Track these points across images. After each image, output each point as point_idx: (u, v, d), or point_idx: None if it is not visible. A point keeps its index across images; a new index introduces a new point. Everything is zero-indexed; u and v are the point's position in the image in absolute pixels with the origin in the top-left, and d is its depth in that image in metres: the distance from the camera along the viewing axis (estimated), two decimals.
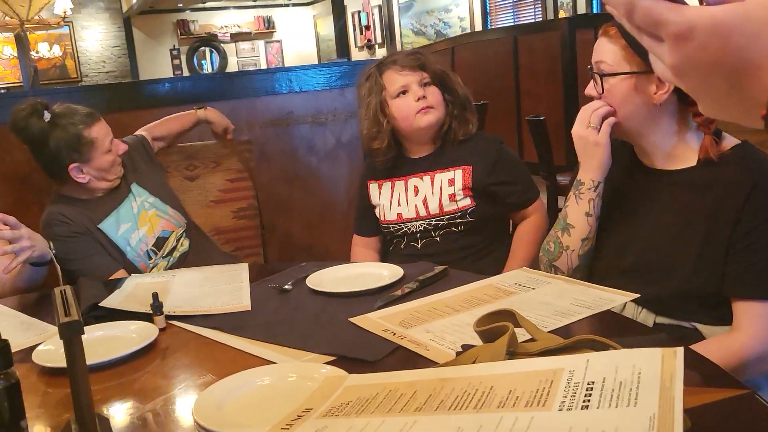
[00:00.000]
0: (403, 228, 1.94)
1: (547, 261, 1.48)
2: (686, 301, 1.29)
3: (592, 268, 1.45)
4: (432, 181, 1.91)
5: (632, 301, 1.30)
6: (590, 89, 1.39)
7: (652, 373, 0.70)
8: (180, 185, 2.34)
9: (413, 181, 1.94)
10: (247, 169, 2.38)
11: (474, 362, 0.86)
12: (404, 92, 1.88)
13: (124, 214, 1.98)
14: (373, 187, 2.01)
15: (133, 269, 1.93)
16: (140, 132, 2.26)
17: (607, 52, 1.33)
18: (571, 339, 0.87)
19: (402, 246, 1.96)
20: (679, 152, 1.34)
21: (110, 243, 1.93)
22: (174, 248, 2.02)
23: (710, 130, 1.30)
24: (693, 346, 1.17)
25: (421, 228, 1.91)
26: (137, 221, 1.99)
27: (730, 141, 1.32)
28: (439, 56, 1.98)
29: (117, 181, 1.99)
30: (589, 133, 1.37)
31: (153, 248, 1.99)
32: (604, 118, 1.36)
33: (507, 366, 0.81)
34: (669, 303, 1.30)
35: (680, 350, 0.71)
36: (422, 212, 1.91)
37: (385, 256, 2.07)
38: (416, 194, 1.92)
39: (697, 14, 0.49)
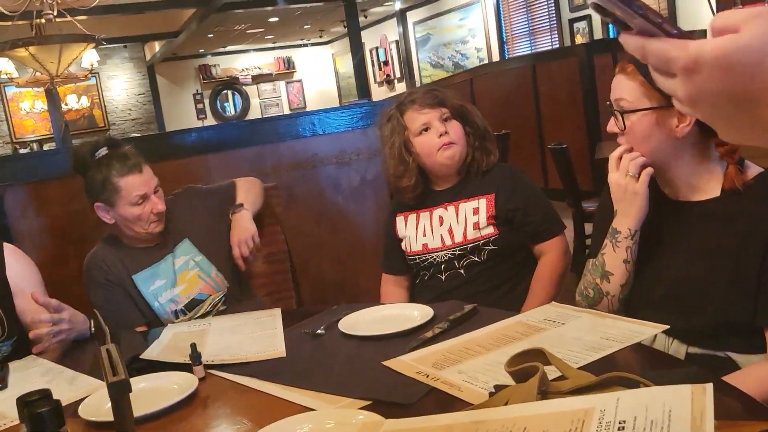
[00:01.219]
0: (428, 258, 1.97)
1: (587, 306, 1.49)
2: (719, 331, 1.29)
3: (623, 300, 1.46)
4: (456, 211, 1.95)
5: (663, 332, 1.31)
6: (612, 126, 1.41)
7: (683, 411, 0.71)
8: None
9: (438, 211, 1.98)
10: (274, 215, 2.42)
11: (506, 403, 0.88)
12: (426, 129, 1.93)
13: (163, 269, 1.99)
14: (399, 220, 2.05)
15: (158, 324, 1.94)
16: (233, 180, 2.24)
17: (626, 89, 1.36)
18: (601, 377, 0.88)
19: (426, 278, 1.99)
20: (702, 183, 1.36)
21: (139, 295, 1.96)
22: (208, 313, 2.00)
23: (734, 160, 1.32)
24: (728, 377, 1.17)
25: (446, 258, 1.94)
26: (175, 280, 1.99)
27: (754, 170, 1.33)
28: (458, 88, 2.02)
29: (151, 235, 1.97)
30: (627, 182, 1.38)
31: (183, 308, 1.98)
32: (643, 167, 1.37)
33: (539, 407, 0.83)
34: (701, 333, 1.31)
35: (709, 386, 0.73)
36: (447, 241, 1.94)
37: (413, 292, 2.09)
38: (441, 224, 1.96)
39: (701, 48, 0.53)
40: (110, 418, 1.19)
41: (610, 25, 8.46)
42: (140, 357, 1.47)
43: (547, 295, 1.86)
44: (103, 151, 1.94)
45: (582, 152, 5.87)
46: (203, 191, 2.18)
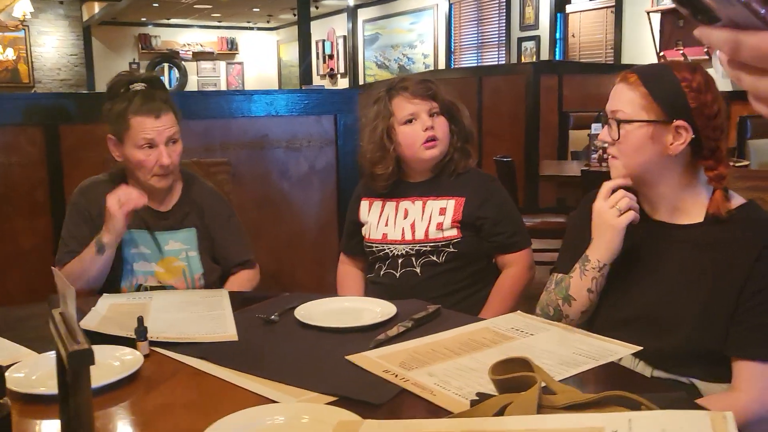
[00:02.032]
0: (385, 249, 1.92)
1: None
2: (686, 357, 1.28)
3: (591, 317, 1.44)
4: (423, 207, 1.90)
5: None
6: (604, 135, 1.37)
7: None
8: None
9: (405, 204, 1.93)
10: (222, 191, 2.31)
11: (500, 413, 0.83)
12: (412, 120, 1.87)
13: (150, 241, 1.84)
14: (364, 204, 1.99)
15: (109, 288, 1.79)
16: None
17: (625, 98, 1.33)
18: (600, 394, 0.84)
19: (381, 273, 1.93)
20: (686, 206, 1.34)
21: (117, 250, 1.78)
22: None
23: (721, 185, 1.31)
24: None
25: (403, 252, 1.89)
26: (158, 258, 1.84)
27: (737, 200, 1.32)
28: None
29: (156, 192, 1.83)
30: (610, 215, 1.35)
31: (149, 287, 1.82)
32: (630, 208, 1.35)
33: (539, 421, 0.78)
34: (668, 358, 1.30)
35: (730, 414, 0.69)
36: (408, 236, 1.89)
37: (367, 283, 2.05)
38: (405, 217, 1.91)
39: None
40: (48, 390, 1.08)
41: (557, 47, 8.64)
42: None
43: (506, 305, 1.82)
44: (139, 85, 1.80)
45: (519, 169, 5.95)
46: (233, 220, 1.96)
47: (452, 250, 1.86)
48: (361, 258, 2.05)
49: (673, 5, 6.98)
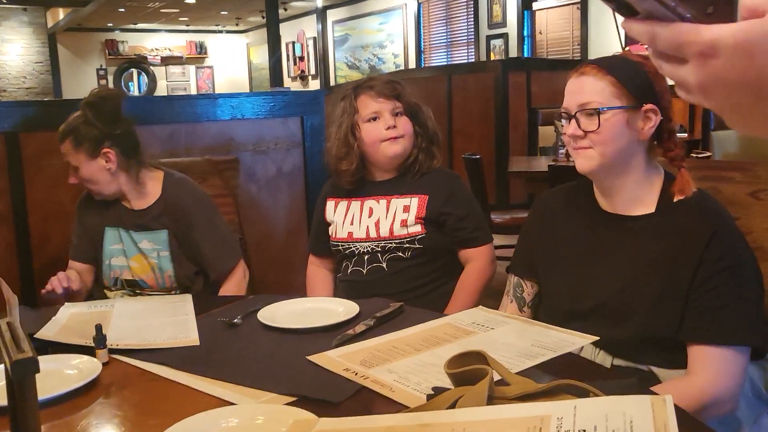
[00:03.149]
0: (351, 247, 1.94)
1: None
2: (643, 344, 1.30)
3: (550, 310, 1.46)
4: (387, 205, 1.93)
5: (590, 343, 1.31)
6: (574, 129, 1.35)
7: (644, 422, 0.69)
8: None
9: (369, 202, 1.95)
10: (228, 187, 2.37)
11: (453, 406, 0.84)
12: (375, 118, 1.91)
13: (126, 237, 1.96)
14: (330, 204, 2.02)
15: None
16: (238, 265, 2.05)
17: (594, 89, 1.33)
18: (550, 383, 0.85)
19: (349, 271, 1.94)
20: (642, 196, 1.36)
21: (101, 247, 1.98)
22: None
23: (681, 165, 1.34)
24: (653, 389, 1.18)
25: (369, 249, 1.91)
26: (132, 253, 1.96)
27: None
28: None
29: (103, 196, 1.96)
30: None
31: (124, 281, 1.97)
32: None
33: (490, 412, 0.79)
34: (626, 346, 1.32)
35: (669, 398, 0.71)
36: (372, 233, 1.91)
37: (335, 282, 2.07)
38: (370, 215, 1.94)
39: (721, 32, 0.50)
40: None
41: (525, 44, 8.73)
42: (34, 336, 1.33)
43: (471, 300, 1.85)
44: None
45: (489, 166, 5.98)
46: (213, 223, 2.01)
47: (417, 246, 1.88)
48: (329, 258, 2.07)
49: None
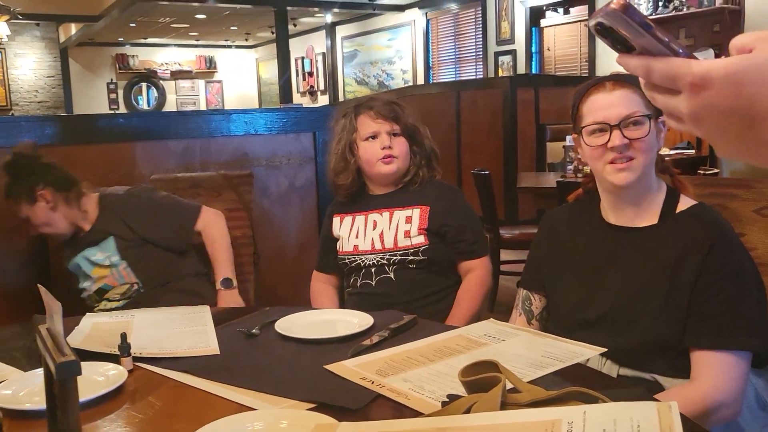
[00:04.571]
0: (357, 260, 2.00)
1: None
2: (649, 352, 1.35)
3: (558, 320, 1.50)
4: (390, 217, 1.99)
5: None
6: (620, 139, 1.37)
7: (651, 426, 0.73)
8: None
9: (373, 215, 2.02)
10: (242, 201, 2.44)
11: (467, 412, 0.88)
12: (373, 137, 1.99)
13: (87, 255, 2.23)
14: (336, 220, 2.09)
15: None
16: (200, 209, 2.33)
17: (634, 101, 1.39)
18: (561, 390, 0.89)
19: (358, 284, 2.00)
20: (647, 207, 1.42)
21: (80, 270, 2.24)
22: (117, 302, 2.20)
23: (674, 171, 1.44)
24: (657, 396, 1.22)
25: (375, 261, 1.97)
26: (91, 268, 2.22)
27: (688, 202, 1.42)
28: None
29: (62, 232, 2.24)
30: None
31: (94, 294, 2.22)
32: None
33: (503, 417, 0.83)
34: (632, 354, 1.36)
35: (675, 404, 0.75)
36: (377, 245, 1.98)
37: (342, 294, 2.12)
38: (374, 228, 2.00)
39: (712, 65, 0.55)
40: (35, 406, 1.12)
41: (533, 61, 8.78)
42: None
43: (474, 306, 1.92)
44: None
45: (498, 181, 6.03)
46: (154, 203, 2.27)
47: (421, 257, 1.94)
48: (334, 274, 2.13)
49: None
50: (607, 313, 1.41)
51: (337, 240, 2.07)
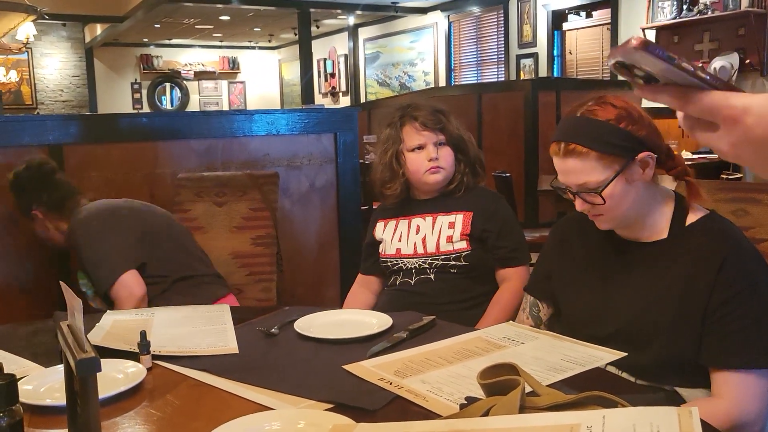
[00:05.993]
0: (399, 263, 2.01)
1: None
2: (664, 367, 1.32)
3: (570, 334, 1.47)
4: (433, 222, 2.00)
5: (612, 365, 1.33)
6: (582, 206, 1.38)
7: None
8: (209, 210, 2.52)
9: (416, 220, 2.03)
10: (266, 201, 2.47)
11: (486, 415, 0.87)
12: (420, 148, 1.99)
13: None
14: (379, 225, 2.11)
15: None
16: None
17: (586, 170, 1.33)
18: (580, 395, 0.88)
19: (398, 282, 2.02)
20: (655, 223, 1.39)
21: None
22: None
23: (690, 176, 1.38)
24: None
25: (417, 265, 1.98)
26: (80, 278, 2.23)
27: (697, 213, 1.37)
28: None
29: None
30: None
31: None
32: None
33: (522, 420, 0.82)
34: (648, 369, 1.34)
35: (695, 410, 0.74)
36: (420, 250, 1.99)
37: (381, 294, 2.14)
38: (417, 232, 2.01)
39: (753, 98, 0.58)
40: (55, 401, 1.13)
41: (555, 64, 8.71)
42: None
43: (502, 318, 1.88)
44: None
45: (519, 184, 6.00)
46: (81, 249, 2.10)
47: (463, 262, 1.94)
48: (376, 276, 2.14)
49: (669, 21, 7.01)
50: (620, 329, 1.38)
51: (380, 243, 2.08)
